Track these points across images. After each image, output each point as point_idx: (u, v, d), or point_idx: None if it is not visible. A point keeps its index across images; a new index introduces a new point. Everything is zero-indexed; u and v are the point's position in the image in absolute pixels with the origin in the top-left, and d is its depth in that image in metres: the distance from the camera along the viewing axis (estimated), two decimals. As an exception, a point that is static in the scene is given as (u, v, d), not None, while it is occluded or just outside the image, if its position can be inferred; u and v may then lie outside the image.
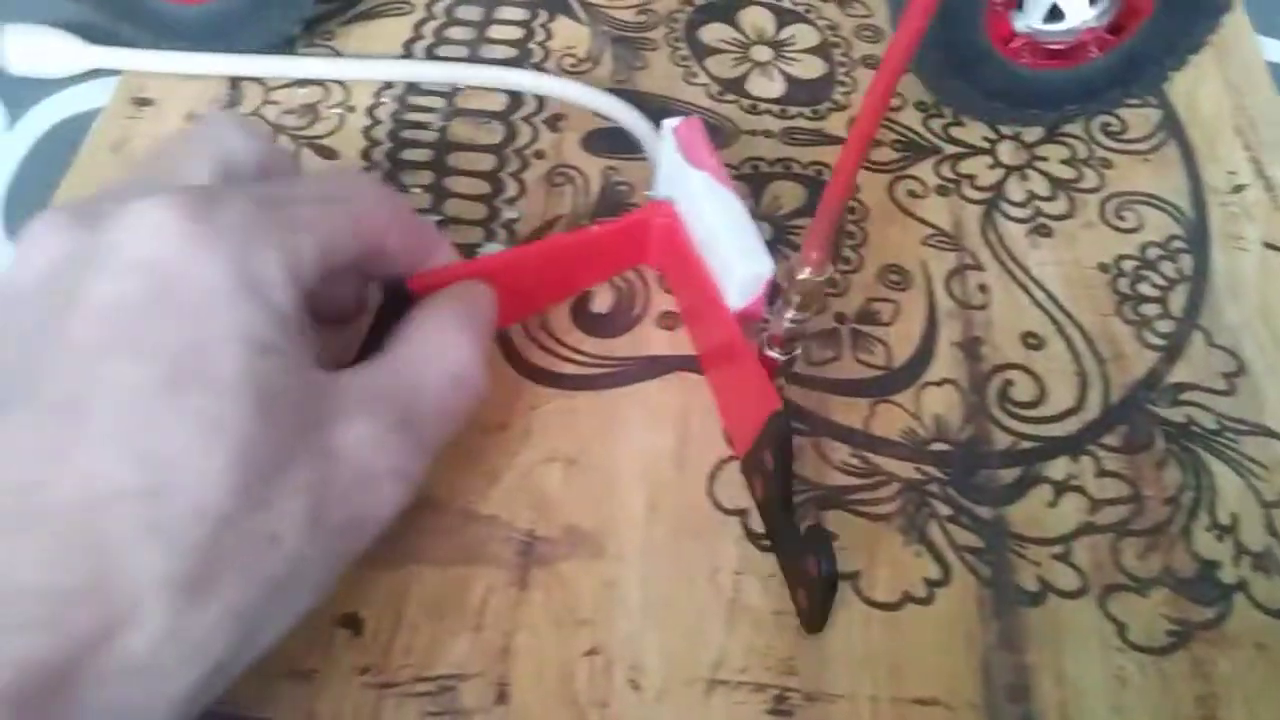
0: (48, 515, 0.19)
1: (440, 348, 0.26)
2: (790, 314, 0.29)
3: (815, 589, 0.26)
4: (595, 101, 0.39)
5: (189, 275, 0.21)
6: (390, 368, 0.25)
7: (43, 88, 0.39)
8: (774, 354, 0.30)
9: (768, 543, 0.29)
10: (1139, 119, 0.40)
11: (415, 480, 0.25)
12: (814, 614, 0.27)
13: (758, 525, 0.29)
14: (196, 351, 0.21)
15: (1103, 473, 0.31)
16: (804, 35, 0.43)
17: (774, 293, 0.30)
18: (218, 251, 0.21)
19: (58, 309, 0.21)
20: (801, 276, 0.27)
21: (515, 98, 0.39)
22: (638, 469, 0.30)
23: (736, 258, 0.29)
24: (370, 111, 0.38)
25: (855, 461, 0.31)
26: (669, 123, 0.32)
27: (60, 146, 0.37)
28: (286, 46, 0.40)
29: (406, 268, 0.28)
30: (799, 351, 0.32)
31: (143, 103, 0.38)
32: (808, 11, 0.43)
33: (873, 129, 0.23)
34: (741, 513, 0.29)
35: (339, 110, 0.38)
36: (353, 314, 0.29)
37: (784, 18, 0.43)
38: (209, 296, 0.21)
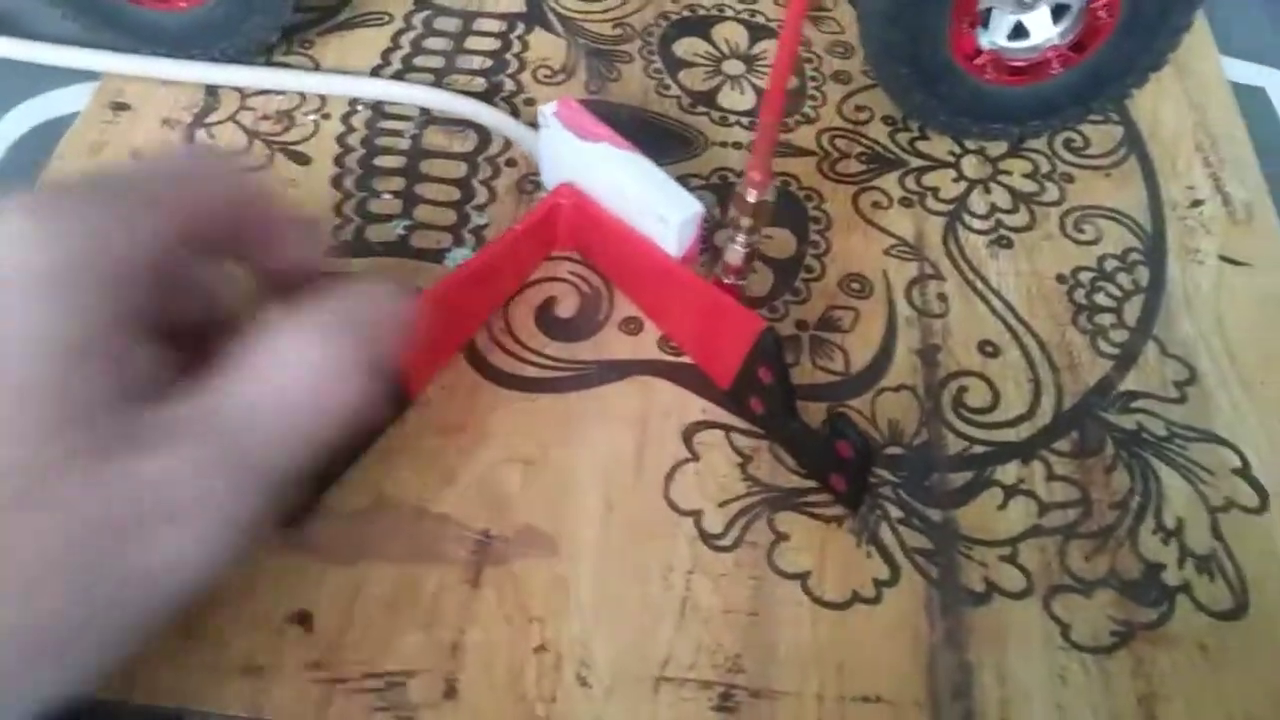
0: None
1: (281, 366, 0.22)
2: (742, 238, 0.31)
3: (852, 467, 0.28)
4: (460, 107, 0.39)
5: (4, 272, 0.19)
6: (215, 395, 0.21)
7: (16, 93, 0.40)
8: (732, 281, 0.32)
9: (720, 543, 0.29)
10: (1101, 135, 0.41)
11: (242, 520, 0.21)
12: (853, 492, 0.29)
13: (711, 526, 0.30)
14: None
15: (1053, 477, 0.31)
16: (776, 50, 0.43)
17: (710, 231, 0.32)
18: (41, 247, 0.20)
19: None
20: (750, 200, 0.29)
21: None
22: (596, 470, 0.30)
23: (667, 208, 0.31)
24: (345, 119, 0.39)
25: (810, 464, 0.31)
26: (547, 108, 0.33)
27: (36, 151, 0.37)
28: (265, 54, 0.40)
29: (260, 260, 0.25)
30: (755, 273, 0.33)
31: (120, 107, 0.39)
32: (781, 27, 0.44)
33: (794, 45, 0.26)
34: (696, 513, 0.30)
35: (314, 117, 0.39)
36: (208, 334, 0.24)
37: (757, 33, 0.44)
38: (19, 292, 0.19)
